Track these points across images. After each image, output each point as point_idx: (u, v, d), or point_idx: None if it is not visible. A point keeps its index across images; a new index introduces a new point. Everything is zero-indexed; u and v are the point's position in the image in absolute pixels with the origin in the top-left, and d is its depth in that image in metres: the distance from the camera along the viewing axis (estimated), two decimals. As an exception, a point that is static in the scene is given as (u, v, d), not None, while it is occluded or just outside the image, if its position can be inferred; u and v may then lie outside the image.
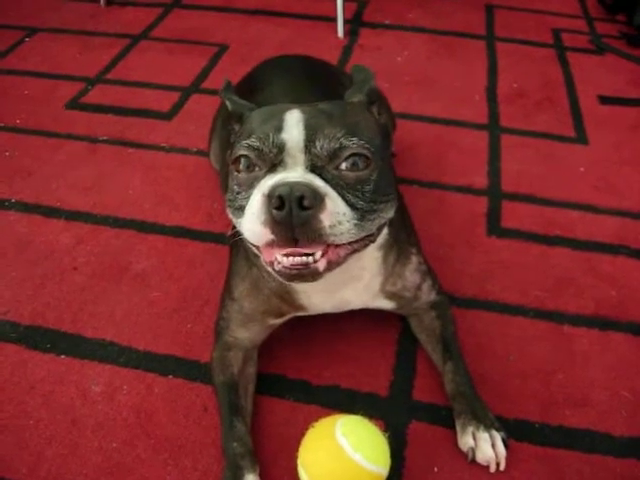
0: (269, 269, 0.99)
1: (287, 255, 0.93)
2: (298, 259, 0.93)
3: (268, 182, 0.95)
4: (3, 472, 1.16)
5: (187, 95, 2.27)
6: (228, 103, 1.17)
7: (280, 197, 0.89)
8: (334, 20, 2.67)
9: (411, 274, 1.29)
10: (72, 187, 1.84)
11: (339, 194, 0.95)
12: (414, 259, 1.30)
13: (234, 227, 1.06)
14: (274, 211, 0.90)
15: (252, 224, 0.95)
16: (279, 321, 1.29)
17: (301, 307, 1.23)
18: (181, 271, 1.57)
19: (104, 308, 1.48)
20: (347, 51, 2.56)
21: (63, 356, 1.38)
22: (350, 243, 0.97)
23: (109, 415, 1.26)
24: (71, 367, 1.36)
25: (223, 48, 2.57)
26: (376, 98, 1.16)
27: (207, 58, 2.50)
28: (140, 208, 1.77)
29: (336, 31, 2.67)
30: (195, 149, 1.99)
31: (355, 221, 0.95)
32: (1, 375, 1.34)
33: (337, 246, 0.96)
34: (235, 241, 1.30)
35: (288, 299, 1.22)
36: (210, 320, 1.39)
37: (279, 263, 0.95)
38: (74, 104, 2.22)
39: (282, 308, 1.25)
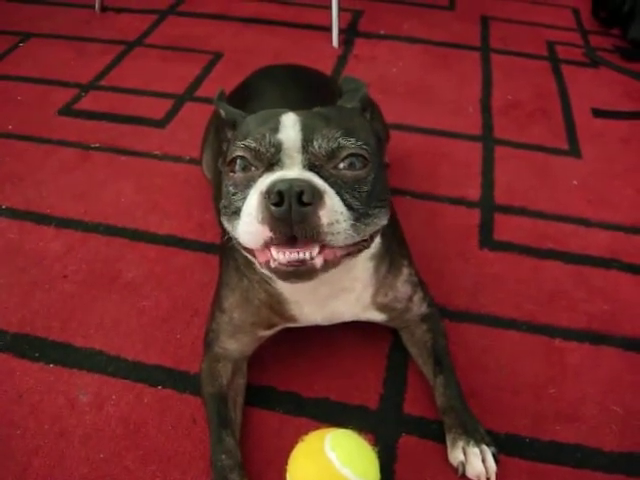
0: (264, 270, 0.98)
1: (283, 252, 0.92)
2: (295, 255, 0.92)
3: (266, 180, 0.94)
4: (-12, 482, 1.15)
5: (181, 103, 2.26)
6: (221, 110, 1.17)
7: (279, 192, 0.89)
8: (329, 30, 2.67)
9: (402, 285, 1.29)
10: (63, 194, 1.83)
11: (337, 193, 0.95)
12: (405, 270, 1.29)
13: (227, 237, 1.06)
14: (273, 207, 0.89)
15: (249, 224, 0.94)
16: (269, 332, 1.28)
17: (292, 318, 1.22)
18: (171, 280, 1.56)
19: (93, 317, 1.47)
20: (342, 61, 2.56)
21: (51, 365, 1.36)
22: (345, 245, 0.97)
23: (97, 425, 1.25)
24: (59, 376, 1.34)
25: (217, 56, 2.57)
26: (368, 105, 1.17)
27: (201, 66, 2.49)
28: (131, 216, 1.76)
29: (331, 41, 2.67)
30: (188, 157, 1.98)
31: (352, 222, 0.95)
32: (-12, 384, 1.33)
33: (333, 246, 0.95)
34: (225, 252, 1.30)
35: (279, 310, 1.21)
36: (200, 330, 1.38)
37: (275, 260, 0.94)
38: (67, 110, 2.22)
39: (272, 319, 1.24)
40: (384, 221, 1.04)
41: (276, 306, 1.20)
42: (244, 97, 1.61)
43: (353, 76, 1.25)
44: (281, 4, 3.03)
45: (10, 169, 1.93)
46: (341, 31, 2.70)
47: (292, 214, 0.89)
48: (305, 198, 0.89)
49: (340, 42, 2.67)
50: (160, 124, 2.15)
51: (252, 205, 0.94)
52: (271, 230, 0.91)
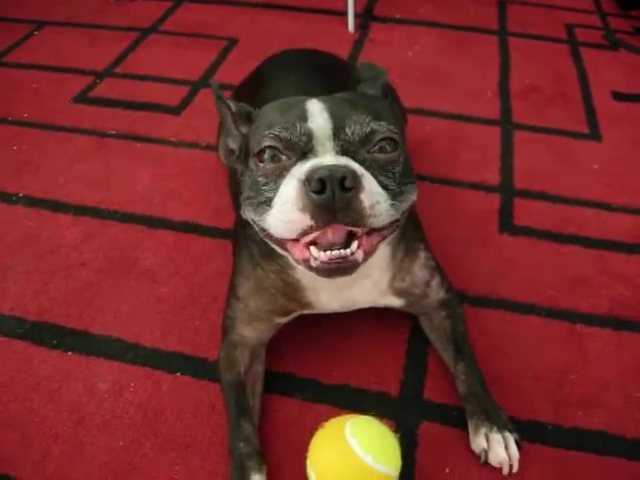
0: (301, 266, 0.98)
1: (324, 250, 0.93)
2: (336, 252, 0.92)
3: (302, 168, 0.93)
4: (8, 470, 1.15)
5: (196, 89, 2.25)
6: (232, 104, 1.15)
7: (321, 180, 0.88)
8: (344, 14, 2.64)
9: (419, 270, 1.28)
10: (80, 181, 1.83)
11: (372, 175, 0.95)
12: (422, 254, 1.28)
13: (248, 228, 1.05)
14: (315, 195, 0.89)
15: (286, 213, 0.93)
16: (285, 319, 1.27)
17: (309, 305, 1.22)
18: (189, 267, 1.56)
19: (111, 304, 1.47)
20: (358, 45, 2.53)
21: (70, 352, 1.37)
22: (381, 230, 0.97)
23: (116, 413, 1.25)
24: (78, 364, 1.34)
25: (233, 42, 2.55)
26: (389, 92, 1.16)
27: (217, 52, 2.48)
28: (148, 203, 1.75)
29: (347, 25, 2.64)
30: (204, 144, 1.97)
31: (390, 201, 0.95)
32: (7, 371, 1.33)
33: (369, 235, 0.95)
34: (239, 240, 1.29)
35: (295, 297, 1.20)
36: (218, 317, 1.38)
37: (316, 259, 0.94)
38: (82, 98, 2.21)
39: (289, 306, 1.23)
40: (414, 196, 1.04)
41: (292, 294, 1.19)
42: (258, 83, 1.59)
43: (372, 63, 1.24)
44: (296, -11, 3.01)
45: (26, 157, 1.93)
46: (357, 15, 2.67)
47: (335, 200, 0.88)
48: (347, 183, 0.88)
49: (356, 27, 2.65)
50: (176, 111, 2.14)
51: (289, 194, 0.92)
52: (312, 218, 0.90)
